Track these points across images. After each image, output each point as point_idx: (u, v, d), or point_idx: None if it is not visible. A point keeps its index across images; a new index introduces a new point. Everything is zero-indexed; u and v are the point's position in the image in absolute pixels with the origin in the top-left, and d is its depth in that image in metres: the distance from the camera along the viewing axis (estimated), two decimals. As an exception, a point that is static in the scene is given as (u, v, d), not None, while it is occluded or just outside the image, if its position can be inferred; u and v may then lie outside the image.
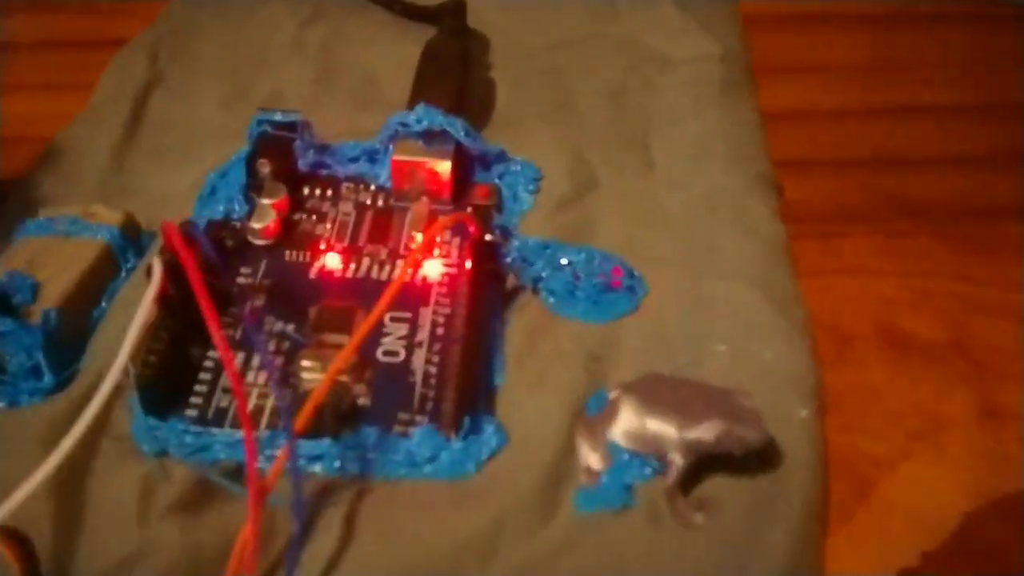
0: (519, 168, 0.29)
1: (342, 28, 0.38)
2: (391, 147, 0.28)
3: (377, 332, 0.24)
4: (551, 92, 0.34)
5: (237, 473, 0.21)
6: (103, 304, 0.25)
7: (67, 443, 0.18)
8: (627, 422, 0.21)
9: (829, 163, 0.31)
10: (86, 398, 0.22)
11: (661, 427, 0.20)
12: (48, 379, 0.23)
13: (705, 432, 0.20)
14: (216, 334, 0.19)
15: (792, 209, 0.29)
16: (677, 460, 0.20)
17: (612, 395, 0.22)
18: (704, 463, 0.20)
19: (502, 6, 0.38)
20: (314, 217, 0.27)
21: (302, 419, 0.20)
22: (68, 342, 0.24)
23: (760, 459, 0.21)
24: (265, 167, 0.27)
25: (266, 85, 0.35)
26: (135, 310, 0.24)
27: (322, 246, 0.26)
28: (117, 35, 0.39)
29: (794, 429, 0.21)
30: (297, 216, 0.27)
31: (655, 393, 0.21)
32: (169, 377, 0.23)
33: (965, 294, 0.26)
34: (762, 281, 0.25)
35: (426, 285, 0.25)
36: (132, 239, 0.27)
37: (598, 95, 0.33)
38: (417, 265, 0.25)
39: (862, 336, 0.25)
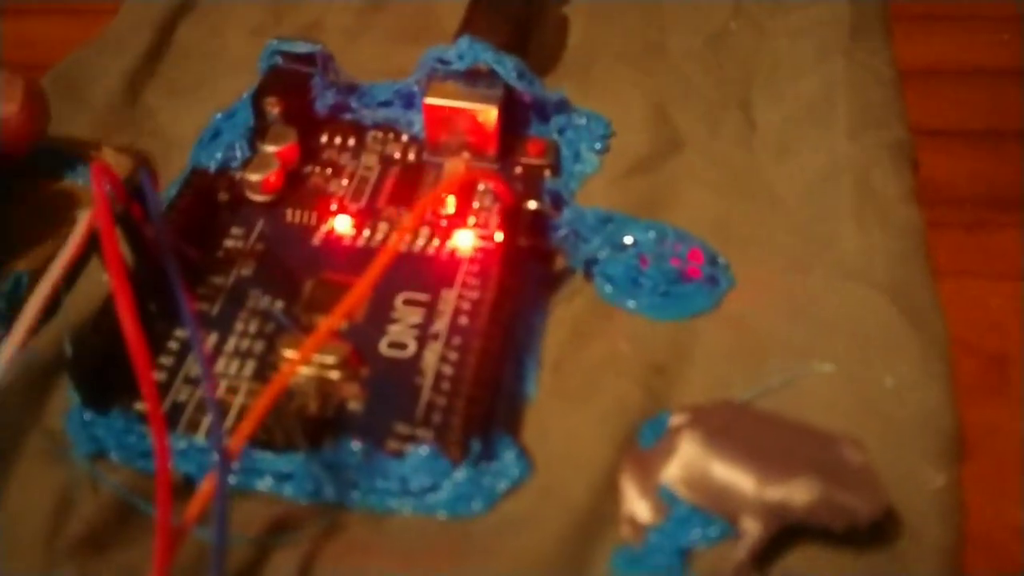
0: (585, 121, 0.24)
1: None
2: (427, 87, 0.23)
3: (384, 317, 0.19)
4: (638, 30, 0.28)
5: (187, 488, 0.17)
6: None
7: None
8: (689, 464, 0.15)
9: (982, 133, 0.25)
10: (21, 382, 0.18)
11: (734, 478, 0.15)
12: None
13: (795, 494, 0.14)
14: (123, 307, 0.14)
15: (931, 190, 0.23)
16: (752, 528, 0.14)
17: (674, 421, 0.17)
18: (796, 531, 0.15)
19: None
20: (329, 170, 0.23)
21: (241, 434, 0.15)
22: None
23: (872, 531, 0.15)
24: (274, 107, 0.22)
25: (306, 12, 0.30)
26: (101, 280, 0.20)
27: (333, 206, 0.22)
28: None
29: (922, 495, 0.15)
30: (308, 169, 0.23)
31: (731, 429, 0.15)
32: (119, 359, 0.18)
33: None
34: (889, 283, 0.19)
35: (454, 261, 0.20)
36: (134, 190, 0.22)
37: (695, 36, 0.28)
38: (413, 230, 0.20)
39: (1016, 361, 0.19)
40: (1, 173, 0.21)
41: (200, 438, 0.17)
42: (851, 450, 0.15)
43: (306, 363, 0.17)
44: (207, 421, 0.17)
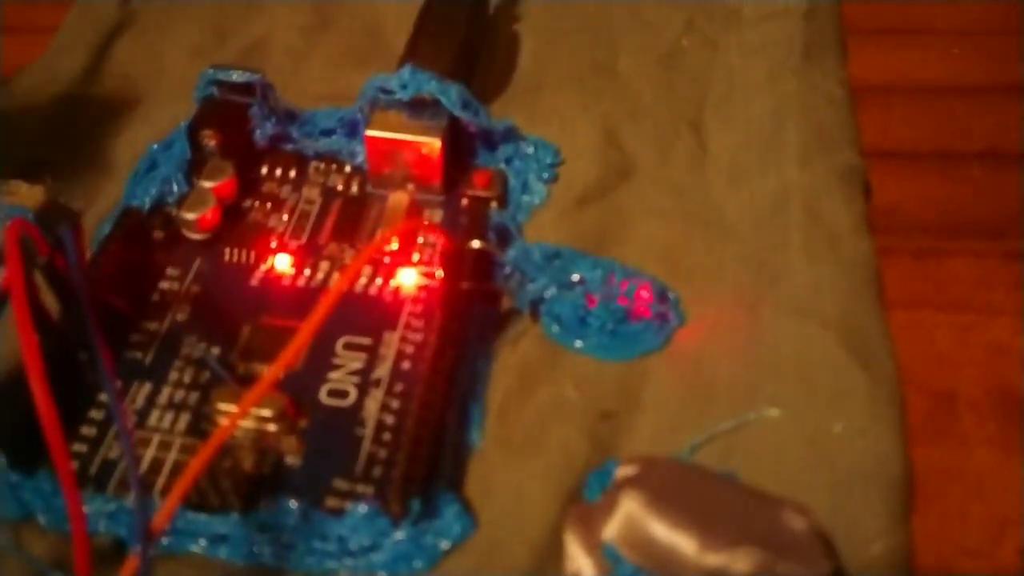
0: (533, 150, 0.23)
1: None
2: (368, 116, 0.22)
3: (325, 364, 0.19)
4: (588, 49, 0.27)
5: (116, 552, 0.16)
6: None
7: None
8: (630, 523, 0.15)
9: (933, 155, 0.25)
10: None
11: (675, 541, 0.14)
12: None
13: (735, 562, 0.14)
14: (31, 368, 0.14)
15: (881, 215, 0.22)
16: (694, 594, 0.14)
17: (619, 473, 0.16)
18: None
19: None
20: (268, 204, 0.22)
21: (168, 507, 0.14)
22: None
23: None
24: (210, 139, 0.22)
25: (251, 30, 0.30)
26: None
27: (272, 244, 0.21)
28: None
29: (870, 553, 0.15)
30: (248, 203, 0.22)
31: (675, 488, 0.15)
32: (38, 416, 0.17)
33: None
34: (838, 320, 0.19)
35: (397, 300, 0.20)
36: (50, 224, 0.21)
37: (646, 56, 0.27)
38: (356, 275, 0.19)
39: (966, 399, 0.19)
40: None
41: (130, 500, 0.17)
42: (796, 518, 0.14)
43: (242, 419, 0.16)
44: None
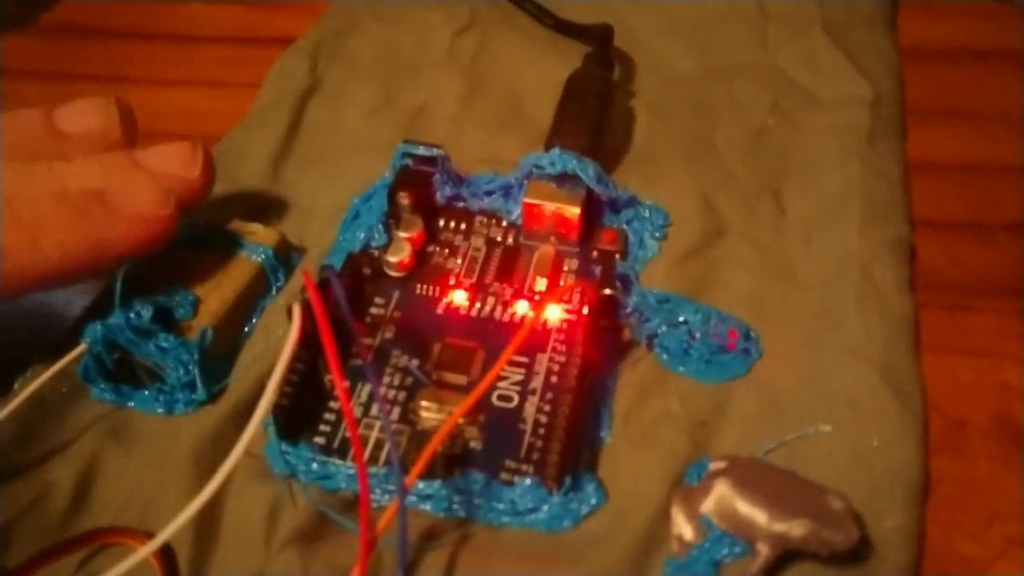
0: (648, 213, 0.30)
1: (493, 40, 0.39)
2: (525, 184, 0.29)
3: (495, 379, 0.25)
4: (691, 126, 0.34)
5: (356, 504, 0.23)
6: (253, 321, 0.27)
7: (218, 478, 0.20)
8: (720, 501, 0.21)
9: (972, 226, 0.30)
10: (232, 414, 0.25)
11: (751, 513, 0.21)
12: (200, 392, 0.25)
13: (793, 528, 0.20)
14: (339, 387, 0.21)
15: (923, 275, 0.28)
16: (763, 550, 0.21)
17: (712, 467, 0.23)
18: (794, 554, 0.21)
19: (658, 27, 0.38)
20: (446, 251, 0.29)
21: (415, 472, 0.21)
22: (219, 358, 0.26)
23: (853, 554, 0.21)
24: (405, 199, 0.29)
25: (415, 96, 0.36)
26: (277, 333, 0.26)
27: (451, 281, 0.28)
28: (280, 32, 0.41)
29: (890, 529, 0.21)
30: (431, 248, 0.29)
31: (751, 478, 0.21)
32: (302, 403, 0.25)
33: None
34: (882, 362, 0.25)
35: (545, 331, 0.26)
36: (283, 259, 0.29)
37: (739, 132, 0.33)
38: (529, 328, 0.26)
39: (976, 424, 0.25)
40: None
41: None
42: (836, 499, 0.21)
43: (455, 424, 0.23)
44: (369, 451, 0.24)
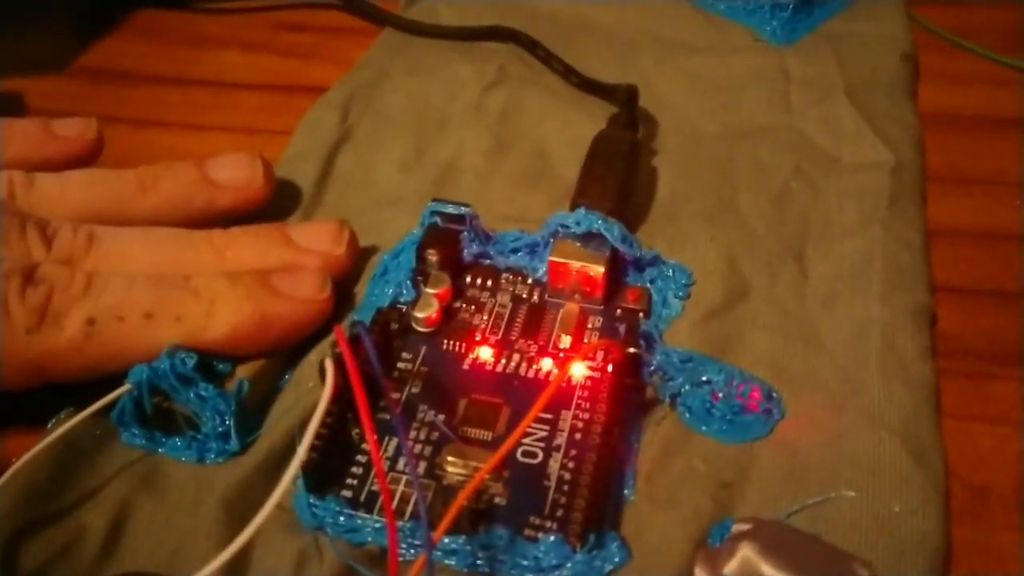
0: (671, 272, 0.30)
1: (521, 96, 0.40)
2: (551, 244, 0.29)
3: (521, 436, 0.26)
4: (715, 186, 0.34)
5: (382, 557, 0.24)
6: (286, 376, 0.28)
7: (249, 530, 0.20)
8: (745, 564, 0.22)
9: (992, 293, 0.31)
10: (262, 465, 0.25)
11: (776, 579, 0.21)
12: (234, 443, 0.26)
13: (819, 597, 0.20)
14: (371, 441, 0.21)
15: (943, 341, 0.29)
16: (788, 616, 0.21)
17: (735, 529, 0.23)
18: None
19: (683, 89, 0.39)
20: (472, 307, 0.29)
21: (442, 527, 0.22)
22: (253, 409, 0.27)
23: (875, 623, 0.21)
24: (433, 256, 0.29)
25: (444, 150, 0.37)
26: (308, 385, 0.27)
27: (477, 337, 0.28)
28: (315, 80, 0.42)
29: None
30: (458, 304, 0.29)
31: (777, 541, 0.22)
32: (330, 457, 0.25)
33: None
34: (903, 429, 0.25)
35: (570, 388, 0.27)
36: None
37: (761, 194, 0.34)
38: (557, 384, 0.26)
39: (997, 493, 0.25)
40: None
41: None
42: (861, 568, 0.21)
43: (480, 482, 0.23)
44: (395, 506, 0.24)
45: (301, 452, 0.21)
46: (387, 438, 0.26)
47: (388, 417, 0.26)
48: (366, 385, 0.22)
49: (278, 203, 0.35)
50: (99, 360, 0.26)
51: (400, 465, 0.25)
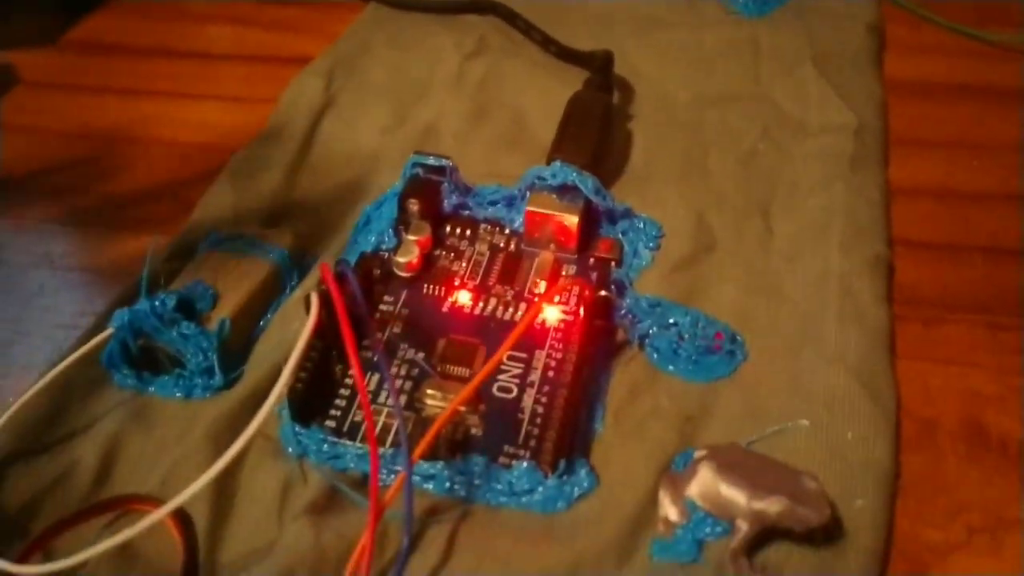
0: (642, 225, 0.31)
1: (500, 65, 0.41)
2: (528, 195, 0.31)
3: (496, 370, 0.27)
4: (686, 148, 0.36)
5: (363, 483, 0.25)
6: (268, 316, 0.29)
7: (236, 446, 0.21)
8: (704, 484, 0.23)
9: (946, 247, 0.32)
10: (248, 399, 0.26)
11: (732, 494, 0.22)
12: (218, 378, 0.27)
13: (770, 506, 0.22)
14: (355, 367, 0.22)
15: (901, 290, 0.30)
16: (743, 526, 0.22)
17: (696, 455, 0.24)
18: (772, 531, 0.23)
19: (657, 58, 0.40)
20: (452, 254, 0.31)
21: (420, 449, 0.23)
22: (236, 348, 0.28)
23: (826, 534, 0.23)
24: (414, 206, 0.30)
25: (424, 114, 0.38)
26: (293, 326, 0.28)
27: (456, 283, 0.30)
28: (299, 52, 0.43)
29: (860, 513, 0.23)
30: (437, 252, 0.31)
31: (733, 462, 0.23)
32: (314, 390, 0.26)
33: (1056, 398, 0.27)
34: (858, 366, 0.27)
35: (543, 329, 0.28)
36: (297, 261, 0.31)
37: (730, 156, 0.35)
38: (533, 320, 0.27)
39: (945, 426, 0.26)
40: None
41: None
42: (810, 480, 0.22)
43: (456, 409, 0.25)
44: (376, 433, 0.25)
45: (285, 376, 0.22)
46: (369, 373, 0.27)
47: (371, 355, 0.27)
48: (350, 324, 0.23)
49: (263, 163, 0.36)
50: None
51: (382, 398, 0.26)
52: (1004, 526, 0.24)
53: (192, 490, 0.21)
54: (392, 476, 0.25)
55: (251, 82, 0.42)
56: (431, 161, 0.31)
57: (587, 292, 0.27)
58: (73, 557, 0.21)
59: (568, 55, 0.40)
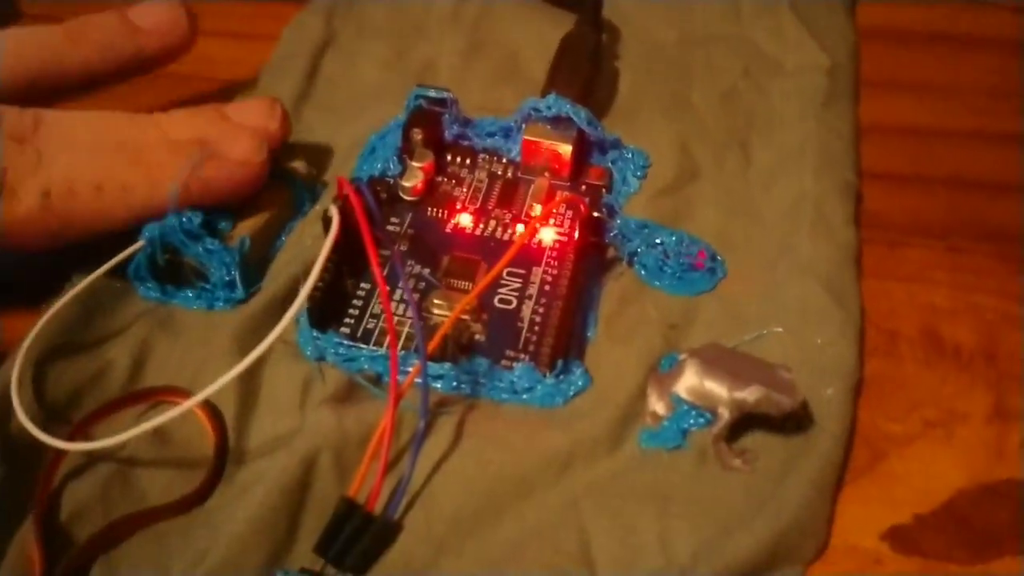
0: (630, 155, 0.34)
1: (493, 6, 0.42)
2: (523, 127, 0.33)
3: (495, 283, 0.29)
4: (670, 84, 0.38)
5: (374, 381, 0.27)
6: (282, 238, 0.31)
7: (263, 345, 0.24)
8: (689, 380, 0.26)
9: (915, 179, 0.35)
10: (267, 308, 0.29)
11: (715, 386, 0.25)
12: (239, 291, 0.29)
13: (749, 394, 0.24)
14: (376, 270, 0.25)
15: (869, 216, 0.33)
16: (724, 414, 0.25)
17: (681, 357, 0.27)
18: (748, 420, 0.25)
19: (642, 2, 0.42)
20: (453, 181, 0.33)
21: (432, 345, 0.25)
22: (254, 264, 0.30)
23: (796, 423, 0.25)
24: (418, 135, 0.32)
25: (422, 52, 0.40)
26: (305, 244, 0.30)
27: (457, 206, 0.32)
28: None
29: (826, 403, 0.26)
30: (439, 179, 0.33)
31: (715, 359, 0.26)
32: (327, 300, 0.28)
33: (1005, 310, 0.29)
34: (827, 279, 0.29)
35: (540, 248, 0.30)
36: (308, 187, 0.33)
37: (712, 92, 0.37)
38: (534, 233, 0.30)
39: (905, 335, 0.29)
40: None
41: (383, 350, 0.27)
42: (784, 371, 0.25)
43: (461, 313, 0.27)
44: (388, 340, 0.28)
45: (312, 278, 0.24)
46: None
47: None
48: (360, 241, 0.25)
49: (269, 95, 0.37)
50: (55, 230, 0.28)
51: (392, 308, 0.29)
52: (956, 420, 0.27)
53: (221, 383, 0.23)
54: (402, 376, 0.27)
55: (251, 20, 0.44)
56: (432, 93, 0.33)
57: (583, 208, 0.29)
58: (115, 437, 0.23)
59: (558, -1, 0.42)
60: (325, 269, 0.28)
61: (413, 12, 0.43)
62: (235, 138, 0.30)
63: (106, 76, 0.32)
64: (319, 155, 0.35)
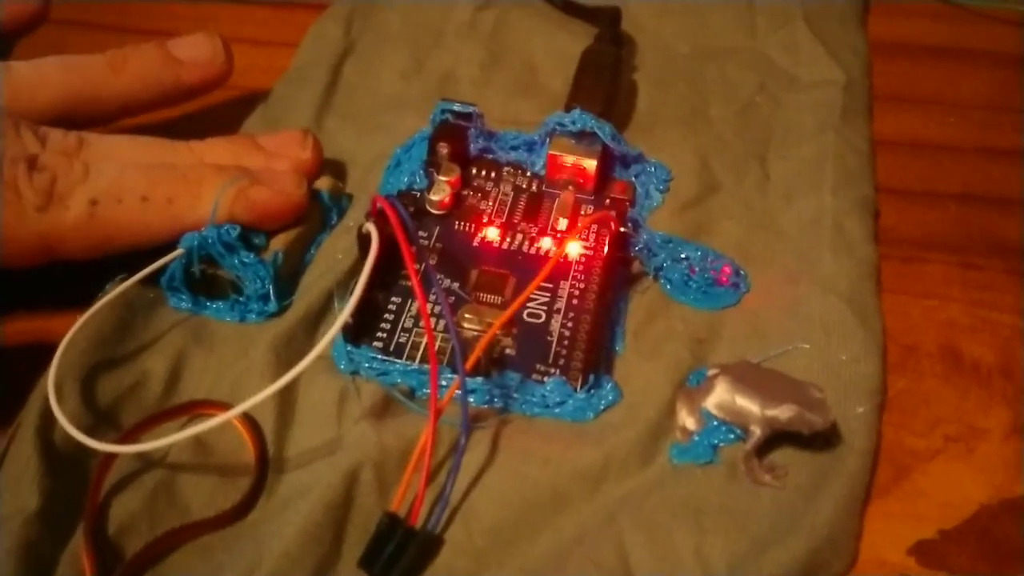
0: (653, 169, 0.34)
1: (511, 16, 0.43)
2: (548, 141, 0.33)
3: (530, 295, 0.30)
4: (688, 98, 0.38)
5: (408, 395, 0.28)
6: (312, 251, 0.32)
7: (305, 361, 0.24)
8: (720, 396, 0.26)
9: (925, 194, 0.35)
10: (301, 321, 0.29)
11: (747, 404, 0.26)
12: (272, 304, 0.29)
13: (781, 412, 0.25)
14: (417, 288, 0.25)
15: (884, 232, 0.33)
16: (756, 431, 0.25)
17: (710, 372, 0.27)
18: (778, 437, 0.26)
19: (657, 12, 0.43)
20: (479, 194, 0.33)
21: (470, 362, 0.26)
22: (286, 278, 0.30)
23: (824, 439, 0.26)
24: (444, 149, 0.33)
25: (441, 62, 0.41)
26: (336, 258, 0.30)
27: (484, 220, 0.32)
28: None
29: (853, 420, 0.26)
30: (465, 192, 0.33)
31: (746, 376, 0.26)
32: (361, 314, 0.29)
33: (1020, 327, 0.30)
34: (849, 295, 0.30)
35: (567, 263, 0.31)
36: (335, 201, 0.33)
37: (729, 106, 0.38)
38: (562, 251, 0.30)
39: (925, 351, 0.30)
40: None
41: (416, 364, 0.28)
42: (815, 390, 0.26)
43: (497, 331, 0.27)
44: (419, 354, 0.28)
45: (357, 294, 0.25)
46: (409, 301, 0.30)
47: (409, 284, 0.30)
48: (392, 254, 0.26)
49: (290, 104, 0.38)
50: (101, 239, 0.28)
51: (422, 324, 0.29)
52: (975, 435, 0.27)
53: (263, 395, 0.24)
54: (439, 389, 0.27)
55: (270, 26, 0.44)
56: (458, 107, 0.34)
57: (613, 225, 0.30)
58: (159, 441, 0.24)
59: (574, 10, 0.43)
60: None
61: (430, 19, 0.43)
62: (274, 171, 0.31)
63: (143, 106, 0.33)
64: (342, 167, 0.35)
